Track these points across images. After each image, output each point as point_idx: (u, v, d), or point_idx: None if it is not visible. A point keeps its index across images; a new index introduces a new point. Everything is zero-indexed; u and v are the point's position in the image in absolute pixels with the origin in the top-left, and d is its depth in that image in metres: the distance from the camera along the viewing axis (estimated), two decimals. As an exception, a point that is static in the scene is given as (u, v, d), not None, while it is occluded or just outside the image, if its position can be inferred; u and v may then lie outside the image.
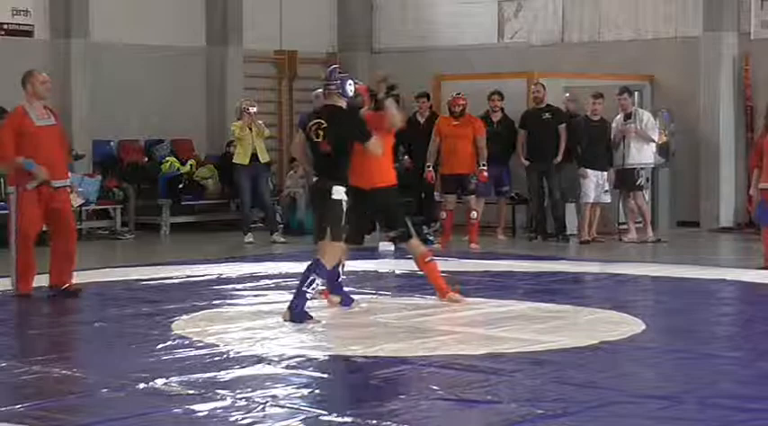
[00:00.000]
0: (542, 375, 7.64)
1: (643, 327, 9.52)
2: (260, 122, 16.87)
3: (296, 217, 17.94)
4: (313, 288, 9.76)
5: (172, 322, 9.73)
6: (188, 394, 7.10)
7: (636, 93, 17.46)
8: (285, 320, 9.65)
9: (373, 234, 16.04)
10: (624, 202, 16.87)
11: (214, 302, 10.84)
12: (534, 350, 8.49)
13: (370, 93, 10.59)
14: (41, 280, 11.31)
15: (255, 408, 6.75)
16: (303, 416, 6.61)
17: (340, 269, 10.37)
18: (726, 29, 17.89)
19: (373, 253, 14.31)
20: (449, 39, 20.31)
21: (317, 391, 7.42)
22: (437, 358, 8.20)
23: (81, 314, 10.75)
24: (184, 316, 10.02)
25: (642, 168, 16.68)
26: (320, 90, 10.58)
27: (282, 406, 6.85)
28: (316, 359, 8.31)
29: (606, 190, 16.61)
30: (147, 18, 19.04)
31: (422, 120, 17.52)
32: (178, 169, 18.56)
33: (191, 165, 18.74)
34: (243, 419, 6.53)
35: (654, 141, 16.80)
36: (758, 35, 17.77)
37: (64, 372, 7.82)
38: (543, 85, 16.95)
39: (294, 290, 9.88)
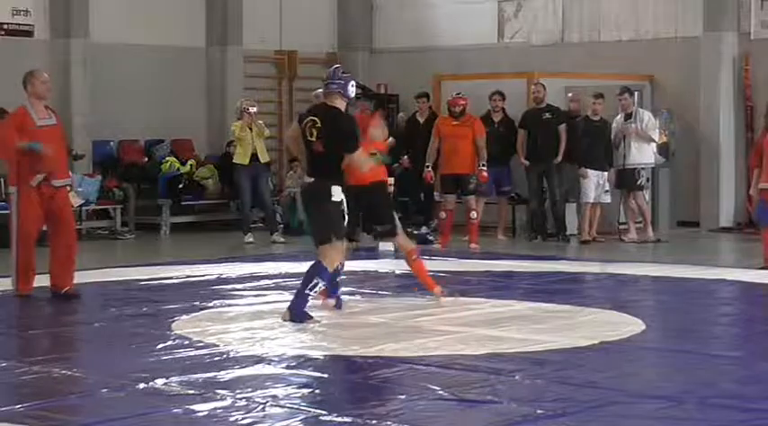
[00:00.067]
0: (542, 375, 7.64)
1: (643, 327, 9.52)
2: (260, 122, 16.87)
3: (296, 217, 17.94)
4: (315, 292, 9.76)
5: (172, 322, 9.73)
6: (188, 394, 7.10)
7: (636, 93, 17.46)
8: (285, 320, 9.65)
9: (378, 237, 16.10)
10: (624, 202, 16.87)
11: (214, 302, 10.83)
12: (534, 350, 8.49)
13: (365, 92, 10.60)
14: (42, 280, 11.30)
15: (255, 408, 6.76)
16: (303, 416, 6.61)
17: (339, 266, 10.36)
18: (726, 29, 17.89)
19: (373, 253, 14.29)
20: (449, 39, 20.31)
21: (317, 391, 7.42)
22: (437, 358, 8.20)
23: (81, 314, 10.74)
24: (184, 316, 10.02)
25: (643, 168, 16.69)
26: (320, 89, 10.52)
27: (282, 406, 6.85)
28: (316, 359, 8.31)
29: (606, 190, 16.61)
30: (146, 18, 19.04)
31: (421, 120, 17.52)
32: (178, 169, 18.56)
33: (191, 165, 18.74)
34: (243, 419, 6.53)
35: (655, 141, 16.81)
36: (758, 35, 17.77)
37: (64, 372, 7.82)
38: (543, 85, 16.95)
39: (295, 291, 9.87)
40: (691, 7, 18.29)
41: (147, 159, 18.96)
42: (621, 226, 16.96)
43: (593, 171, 16.49)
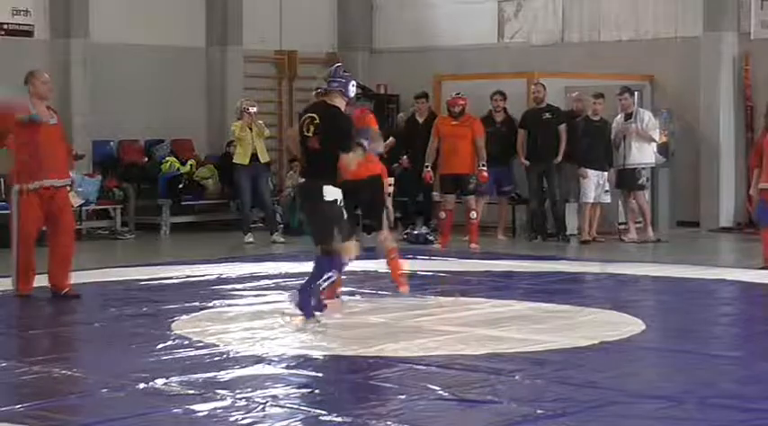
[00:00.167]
0: (542, 375, 7.64)
1: (643, 327, 9.52)
2: (260, 122, 16.87)
3: (296, 217, 17.94)
4: (327, 284, 9.87)
5: (172, 322, 9.73)
6: (188, 394, 7.10)
7: (636, 92, 17.46)
8: (289, 301, 9.68)
9: (373, 233, 16.09)
10: (624, 202, 16.87)
11: (214, 302, 10.83)
12: (534, 350, 8.49)
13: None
14: (42, 281, 11.30)
15: (255, 408, 6.76)
16: (303, 416, 6.61)
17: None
18: (726, 29, 17.89)
19: (373, 253, 14.28)
20: (449, 39, 20.31)
21: (316, 391, 7.42)
22: (437, 358, 8.20)
23: (81, 314, 10.74)
24: (184, 316, 10.02)
25: (643, 168, 16.68)
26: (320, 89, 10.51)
27: (282, 406, 6.85)
28: (316, 359, 8.31)
29: (606, 190, 16.61)
30: (146, 18, 19.04)
31: (420, 121, 17.52)
32: (178, 169, 18.56)
33: (191, 165, 18.74)
34: (243, 419, 6.53)
35: (655, 141, 16.81)
36: (758, 35, 17.77)
37: (64, 372, 7.82)
38: (543, 85, 16.95)
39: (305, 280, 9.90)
40: (691, 7, 18.29)
41: (147, 159, 18.96)
42: (621, 226, 16.96)
43: (592, 171, 16.49)
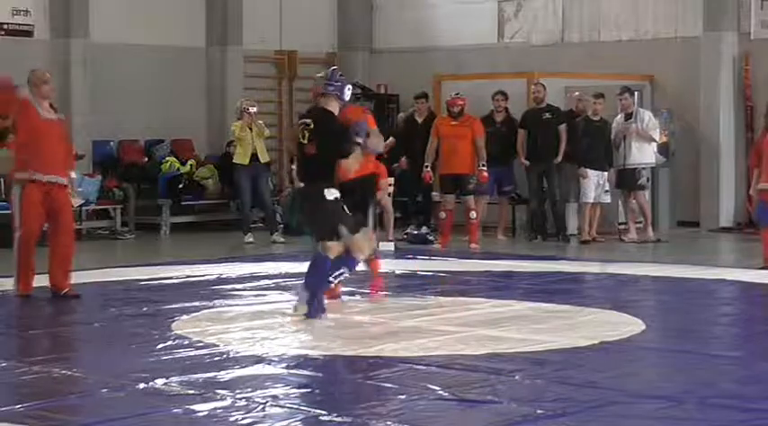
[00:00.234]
0: (542, 375, 7.64)
1: (643, 327, 9.52)
2: (260, 122, 16.87)
3: (296, 217, 17.91)
4: (339, 279, 9.94)
5: (172, 322, 9.73)
6: (188, 394, 7.10)
7: (636, 92, 17.46)
8: (297, 294, 9.74)
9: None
10: (624, 202, 16.88)
11: (214, 302, 10.83)
12: (534, 350, 8.49)
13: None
14: (42, 281, 11.30)
15: (255, 408, 6.75)
16: (303, 416, 6.61)
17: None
18: (726, 29, 17.89)
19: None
20: (449, 39, 20.31)
21: (317, 391, 7.42)
22: (437, 358, 8.20)
23: (81, 314, 10.74)
24: (184, 316, 10.02)
25: (644, 168, 16.68)
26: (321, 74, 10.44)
27: (282, 406, 6.85)
28: (316, 359, 8.31)
29: (606, 190, 16.62)
30: (146, 18, 19.04)
31: (419, 121, 17.51)
32: (178, 169, 18.56)
33: (191, 165, 18.74)
34: (243, 419, 6.53)
35: (656, 141, 16.81)
36: (758, 35, 17.77)
37: (64, 372, 7.82)
38: (543, 85, 16.95)
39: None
40: (691, 7, 18.30)
41: (147, 159, 18.96)
42: (621, 226, 16.96)
43: (592, 171, 16.49)
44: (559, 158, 16.61)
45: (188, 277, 12.77)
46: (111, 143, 18.86)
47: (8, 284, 11.32)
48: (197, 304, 10.69)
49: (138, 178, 18.59)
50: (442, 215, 15.87)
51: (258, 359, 8.19)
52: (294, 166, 10.72)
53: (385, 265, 13.45)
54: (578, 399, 6.94)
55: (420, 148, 16.36)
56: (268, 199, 17.20)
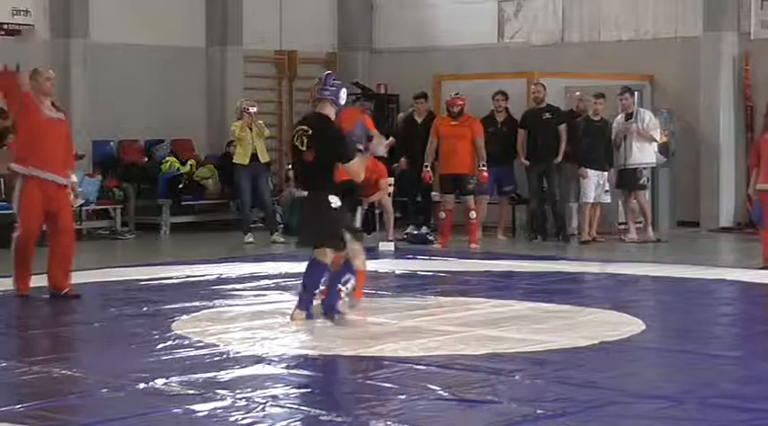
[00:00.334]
0: (542, 375, 7.64)
1: (643, 327, 9.52)
2: (260, 122, 16.87)
3: (296, 218, 17.92)
4: (347, 287, 9.83)
5: (172, 322, 9.73)
6: (188, 394, 7.10)
7: (636, 92, 17.46)
8: (318, 315, 9.68)
9: (374, 234, 16.11)
10: (624, 202, 16.88)
11: (214, 302, 10.83)
12: (534, 350, 8.49)
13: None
14: (42, 281, 11.30)
15: (255, 408, 6.75)
16: (303, 416, 6.61)
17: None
18: (726, 29, 17.89)
19: (373, 253, 14.29)
20: (448, 39, 20.31)
21: (316, 391, 7.43)
22: (437, 358, 8.20)
23: (81, 314, 10.74)
24: (184, 316, 10.02)
25: (644, 168, 16.68)
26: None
27: (282, 406, 6.85)
28: (316, 359, 8.31)
29: (606, 190, 16.62)
30: (146, 18, 19.03)
31: (419, 121, 17.50)
32: (178, 169, 18.56)
33: (191, 165, 18.74)
34: (243, 419, 6.53)
35: (656, 141, 16.81)
36: (758, 35, 17.77)
37: (64, 372, 7.82)
38: (543, 85, 16.95)
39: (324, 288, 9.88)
40: (691, 7, 18.30)
41: (147, 159, 18.96)
42: (621, 226, 16.96)
43: (593, 171, 16.49)
44: (559, 158, 16.61)
45: (188, 277, 12.77)
46: (111, 143, 18.85)
47: (8, 284, 11.32)
48: (197, 304, 10.69)
49: (138, 178, 18.59)
50: (442, 215, 15.87)
51: (258, 359, 8.19)
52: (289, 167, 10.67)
53: (385, 265, 13.51)
54: (578, 399, 6.94)
55: (420, 148, 16.36)
56: (268, 199, 17.20)
